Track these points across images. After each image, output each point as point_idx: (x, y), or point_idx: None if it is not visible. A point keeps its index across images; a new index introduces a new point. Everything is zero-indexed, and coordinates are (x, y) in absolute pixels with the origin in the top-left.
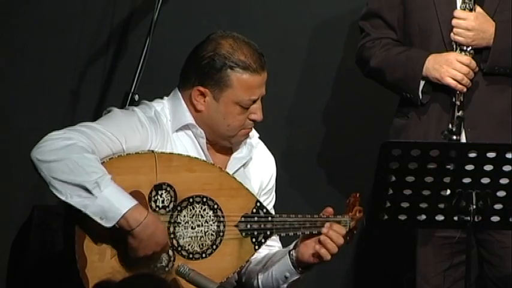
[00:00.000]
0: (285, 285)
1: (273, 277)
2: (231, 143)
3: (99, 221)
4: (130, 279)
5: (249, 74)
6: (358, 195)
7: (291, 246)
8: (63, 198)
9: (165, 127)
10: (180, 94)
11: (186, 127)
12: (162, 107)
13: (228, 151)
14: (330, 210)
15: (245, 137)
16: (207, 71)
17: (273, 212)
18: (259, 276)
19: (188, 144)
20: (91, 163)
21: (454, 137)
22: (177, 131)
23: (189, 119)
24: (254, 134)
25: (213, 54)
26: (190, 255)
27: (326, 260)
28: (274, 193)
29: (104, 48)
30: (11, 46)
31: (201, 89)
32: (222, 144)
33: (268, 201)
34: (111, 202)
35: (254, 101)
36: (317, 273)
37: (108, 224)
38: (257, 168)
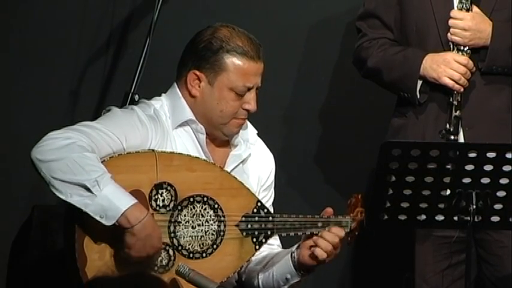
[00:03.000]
0: (286, 287)
1: (273, 278)
2: (224, 134)
3: (99, 219)
4: (130, 279)
5: (245, 60)
6: (359, 196)
7: (294, 248)
8: (63, 197)
9: (165, 124)
10: (177, 88)
11: (185, 123)
12: (161, 104)
13: (227, 148)
14: (329, 210)
15: (238, 129)
16: (203, 54)
17: (272, 209)
18: (259, 276)
19: (187, 140)
20: (91, 162)
21: (452, 137)
22: (176, 127)
23: (188, 114)
24: (252, 131)
25: (211, 37)
26: (191, 255)
27: (322, 260)
28: (273, 190)
29: (104, 48)
30: (11, 46)
31: (197, 72)
32: (216, 134)
33: (267, 198)
34: (111, 200)
35: (249, 89)
36: (315, 273)
37: (108, 223)
38: (256, 164)
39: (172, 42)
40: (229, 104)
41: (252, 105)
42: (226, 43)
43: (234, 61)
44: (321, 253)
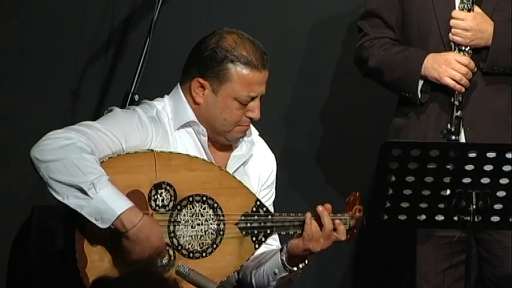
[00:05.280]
0: (274, 283)
1: (264, 273)
2: (227, 140)
3: (94, 222)
4: (131, 279)
5: (250, 70)
6: (358, 194)
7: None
8: (59, 198)
9: (167, 126)
10: (180, 90)
11: (187, 124)
12: (164, 105)
13: (228, 149)
14: (328, 206)
15: (241, 135)
16: (208, 63)
17: (272, 208)
18: (252, 273)
19: (189, 142)
20: (88, 164)
21: (453, 137)
22: (178, 129)
23: (190, 116)
24: (254, 132)
25: (216, 46)
26: (191, 254)
27: (310, 239)
28: (274, 189)
29: (104, 48)
30: (11, 46)
31: (201, 80)
32: (219, 140)
33: (268, 197)
34: (106, 203)
35: (253, 98)
36: (315, 273)
37: (103, 225)
38: (257, 165)
39: (172, 42)
40: (233, 113)
41: (255, 114)
42: (230, 53)
43: (238, 71)
44: (308, 230)
